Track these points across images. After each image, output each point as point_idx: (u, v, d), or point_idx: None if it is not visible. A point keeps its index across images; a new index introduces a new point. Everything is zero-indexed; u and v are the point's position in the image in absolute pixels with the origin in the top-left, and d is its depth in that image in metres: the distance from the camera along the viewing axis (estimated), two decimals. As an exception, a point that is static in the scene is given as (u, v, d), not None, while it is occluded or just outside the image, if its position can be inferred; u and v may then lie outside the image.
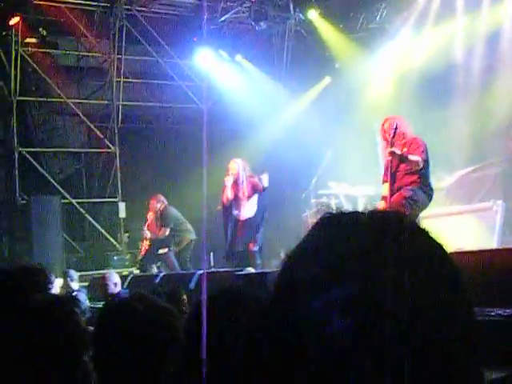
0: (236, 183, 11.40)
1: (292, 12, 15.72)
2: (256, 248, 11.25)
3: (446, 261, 1.00)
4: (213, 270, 12.47)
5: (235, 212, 11.47)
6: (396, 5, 15.04)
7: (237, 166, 11.39)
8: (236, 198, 11.39)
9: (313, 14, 15.60)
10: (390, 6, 15.17)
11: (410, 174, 8.55)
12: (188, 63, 17.10)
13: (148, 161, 16.19)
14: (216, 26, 16.00)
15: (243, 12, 15.91)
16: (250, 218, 11.40)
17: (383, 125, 8.96)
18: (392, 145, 8.60)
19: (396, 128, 8.58)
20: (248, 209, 11.41)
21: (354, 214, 1.08)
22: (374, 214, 1.06)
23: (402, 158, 8.46)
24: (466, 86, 14.04)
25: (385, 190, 8.86)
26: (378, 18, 15.48)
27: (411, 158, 8.44)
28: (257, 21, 15.75)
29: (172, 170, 15.96)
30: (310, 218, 13.97)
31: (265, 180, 11.15)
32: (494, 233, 10.79)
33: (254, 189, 11.31)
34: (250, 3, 15.51)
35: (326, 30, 15.85)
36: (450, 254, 1.02)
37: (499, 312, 5.07)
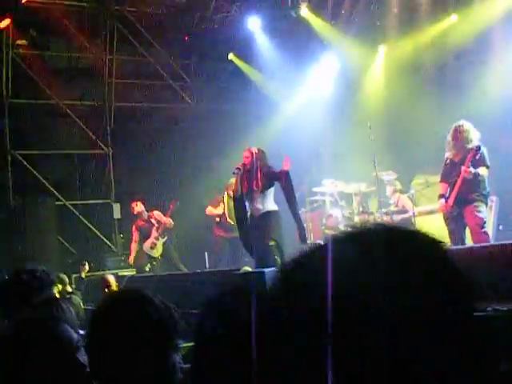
0: (249, 174, 10.43)
1: (282, 10, 15.70)
2: (272, 243, 10.19)
3: (444, 263, 1.01)
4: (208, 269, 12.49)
5: (249, 206, 10.55)
6: (386, 2, 15.04)
7: (250, 155, 10.43)
8: (250, 191, 10.43)
9: (304, 11, 15.60)
10: (379, 2, 15.18)
11: (472, 181, 9.05)
12: (180, 62, 17.09)
13: (141, 161, 16.13)
14: (208, 25, 15.99)
15: (235, 11, 15.89)
16: (265, 213, 10.42)
17: (457, 128, 9.34)
18: (458, 151, 9.25)
19: (466, 136, 9.20)
20: (263, 202, 10.42)
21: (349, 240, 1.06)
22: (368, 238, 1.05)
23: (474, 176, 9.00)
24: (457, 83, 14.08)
25: (442, 189, 9.49)
26: (368, 15, 15.48)
27: (480, 172, 9.01)
28: (248, 19, 15.81)
29: (166, 169, 15.92)
30: (305, 215, 13.99)
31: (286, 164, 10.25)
32: (489, 228, 10.80)
33: (271, 180, 10.38)
34: (241, 2, 15.53)
35: (318, 24, 15.84)
36: (448, 254, 1.03)
37: (497, 307, 5.06)
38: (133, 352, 2.21)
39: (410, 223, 12.32)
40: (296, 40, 16.12)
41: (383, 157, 13.10)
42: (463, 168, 8.96)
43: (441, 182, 9.62)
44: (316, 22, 15.75)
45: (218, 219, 13.80)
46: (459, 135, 9.26)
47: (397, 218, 12.55)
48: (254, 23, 16.01)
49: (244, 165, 10.50)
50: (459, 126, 9.33)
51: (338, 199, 13.53)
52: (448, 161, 9.44)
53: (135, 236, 13.72)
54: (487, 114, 12.52)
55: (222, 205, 13.76)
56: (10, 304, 3.80)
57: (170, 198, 13.89)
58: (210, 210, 13.92)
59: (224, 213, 13.65)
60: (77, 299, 9.84)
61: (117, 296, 2.56)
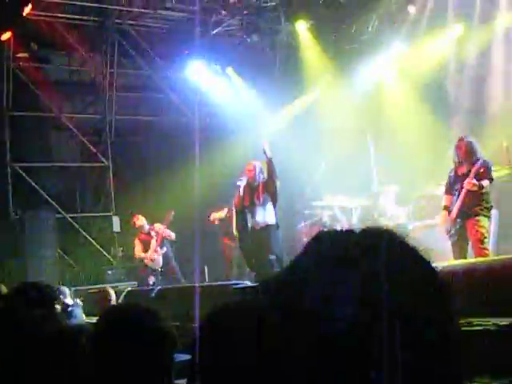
0: (251, 188, 10.72)
1: (283, 24, 15.78)
2: (273, 257, 10.41)
3: (430, 275, 1.08)
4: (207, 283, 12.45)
5: (250, 219, 10.74)
6: (388, 16, 15.08)
7: (253, 169, 10.72)
8: (251, 204, 10.67)
9: (302, 26, 15.65)
10: (381, 16, 15.22)
11: (475, 193, 9.01)
12: (180, 76, 17.12)
13: (141, 174, 16.14)
14: (208, 39, 16.04)
15: (235, 25, 15.95)
16: (265, 226, 10.64)
17: (460, 142, 9.33)
18: (461, 163, 9.21)
19: (470, 148, 9.16)
20: (263, 215, 10.64)
21: (346, 233, 1.12)
22: (365, 232, 1.11)
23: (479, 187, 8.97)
24: (458, 97, 14.12)
25: (446, 201, 9.40)
26: (369, 29, 15.53)
27: (484, 184, 8.99)
28: (249, 34, 15.85)
29: (165, 183, 15.90)
30: (305, 229, 13.95)
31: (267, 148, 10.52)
32: (489, 241, 10.77)
33: (270, 194, 10.64)
34: (242, 16, 15.58)
35: (313, 42, 15.89)
36: (435, 268, 1.10)
37: (496, 322, 5.05)
38: (130, 370, 2.24)
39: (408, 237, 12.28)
40: (296, 53, 16.16)
41: (383, 170, 13.11)
42: (467, 180, 8.97)
43: (445, 193, 9.63)
44: (309, 39, 15.82)
45: (218, 222, 13.71)
46: (462, 149, 9.28)
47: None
48: (253, 37, 16.06)
49: (247, 179, 10.62)
50: (461, 140, 9.36)
51: (338, 213, 13.50)
52: (452, 173, 9.46)
53: (138, 246, 13.78)
54: (488, 127, 12.57)
55: (225, 209, 13.65)
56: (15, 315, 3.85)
57: (170, 211, 13.91)
58: (213, 215, 13.87)
59: (229, 217, 13.47)
60: (78, 312, 9.80)
61: (117, 312, 2.59)
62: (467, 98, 13.91)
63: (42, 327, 2.67)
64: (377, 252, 1.03)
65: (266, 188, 10.65)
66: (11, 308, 3.82)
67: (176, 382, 2.39)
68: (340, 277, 1.01)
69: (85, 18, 15.16)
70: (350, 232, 1.12)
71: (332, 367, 0.97)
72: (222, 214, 13.56)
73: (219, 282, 10.77)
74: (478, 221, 9.02)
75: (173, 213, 13.59)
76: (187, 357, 2.06)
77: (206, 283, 12.48)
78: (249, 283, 9.06)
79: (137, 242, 13.88)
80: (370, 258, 1.03)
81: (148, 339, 2.28)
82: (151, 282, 13.27)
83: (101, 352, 2.32)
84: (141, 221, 13.80)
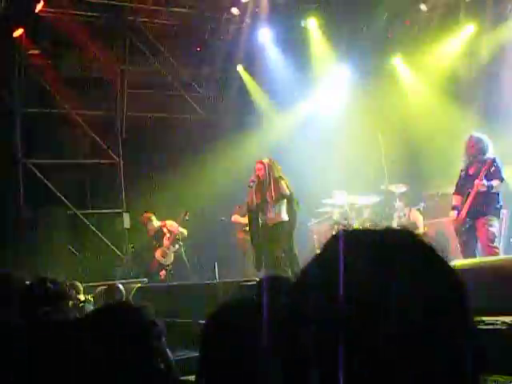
0: (262, 185, 10.96)
1: (294, 22, 15.78)
2: (283, 254, 10.63)
3: (449, 274, 1.09)
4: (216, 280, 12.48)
5: (261, 216, 11.00)
6: (399, 14, 15.06)
7: (262, 167, 10.96)
8: (263, 201, 10.92)
9: (313, 24, 15.66)
10: (392, 14, 15.19)
11: (485, 193, 9.02)
12: (191, 73, 17.13)
13: (152, 171, 16.14)
14: (219, 36, 16.07)
15: (246, 22, 15.95)
16: (277, 223, 10.91)
17: (469, 140, 9.31)
18: (471, 162, 9.22)
19: (480, 146, 9.16)
20: (275, 212, 10.91)
21: (367, 233, 1.12)
22: (385, 233, 1.11)
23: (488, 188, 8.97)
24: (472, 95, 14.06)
25: (456, 201, 9.40)
26: (380, 27, 15.49)
27: (494, 184, 8.98)
28: (259, 31, 15.91)
29: (177, 179, 15.92)
30: (315, 227, 13.94)
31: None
32: (500, 241, 10.75)
33: (282, 192, 10.89)
34: (253, 13, 15.58)
35: (324, 39, 15.88)
36: (454, 268, 1.11)
37: (505, 321, 5.05)
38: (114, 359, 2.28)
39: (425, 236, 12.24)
40: (307, 51, 16.15)
41: (394, 168, 13.08)
42: (477, 181, 8.92)
43: (454, 193, 9.58)
44: (320, 36, 15.81)
45: (247, 228, 13.79)
46: (472, 147, 9.23)
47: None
48: (264, 35, 16.07)
49: (257, 176, 10.74)
50: (471, 138, 9.30)
51: (349, 211, 13.46)
52: (463, 172, 9.40)
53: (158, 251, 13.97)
54: (502, 125, 12.51)
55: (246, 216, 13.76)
56: (32, 306, 3.91)
57: (181, 208, 13.95)
58: (236, 217, 14.00)
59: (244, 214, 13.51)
60: (90, 308, 9.83)
61: (102, 309, 2.67)
62: (481, 96, 13.85)
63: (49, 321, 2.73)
64: (398, 251, 1.03)
65: (280, 192, 10.78)
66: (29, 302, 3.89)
67: (184, 378, 2.41)
68: (357, 277, 1.00)
69: (97, 14, 15.19)
70: (369, 231, 1.12)
71: (341, 368, 0.97)
72: (245, 220, 13.64)
73: (228, 280, 10.80)
74: (488, 220, 8.99)
75: (187, 213, 13.69)
76: (194, 353, 2.07)
77: (215, 281, 12.51)
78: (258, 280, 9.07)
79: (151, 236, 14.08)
80: (389, 257, 1.03)
81: (131, 332, 2.33)
82: (162, 279, 13.34)
83: (88, 345, 2.37)
84: (151, 217, 13.95)
